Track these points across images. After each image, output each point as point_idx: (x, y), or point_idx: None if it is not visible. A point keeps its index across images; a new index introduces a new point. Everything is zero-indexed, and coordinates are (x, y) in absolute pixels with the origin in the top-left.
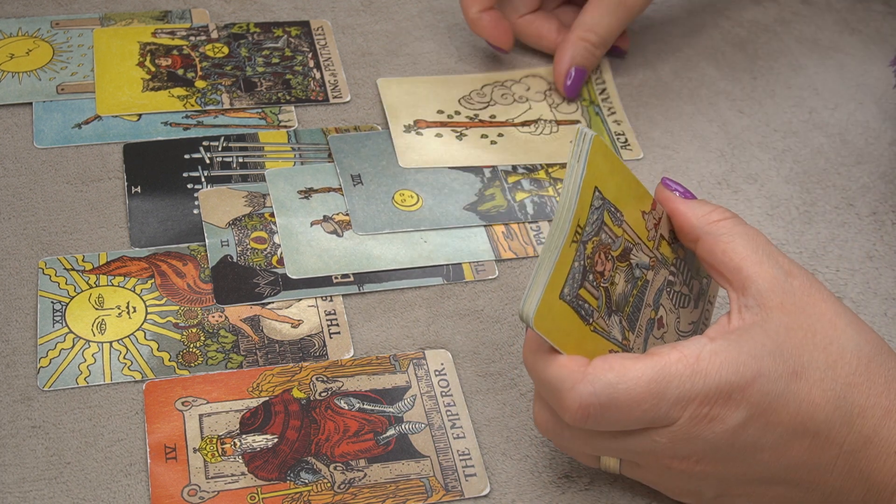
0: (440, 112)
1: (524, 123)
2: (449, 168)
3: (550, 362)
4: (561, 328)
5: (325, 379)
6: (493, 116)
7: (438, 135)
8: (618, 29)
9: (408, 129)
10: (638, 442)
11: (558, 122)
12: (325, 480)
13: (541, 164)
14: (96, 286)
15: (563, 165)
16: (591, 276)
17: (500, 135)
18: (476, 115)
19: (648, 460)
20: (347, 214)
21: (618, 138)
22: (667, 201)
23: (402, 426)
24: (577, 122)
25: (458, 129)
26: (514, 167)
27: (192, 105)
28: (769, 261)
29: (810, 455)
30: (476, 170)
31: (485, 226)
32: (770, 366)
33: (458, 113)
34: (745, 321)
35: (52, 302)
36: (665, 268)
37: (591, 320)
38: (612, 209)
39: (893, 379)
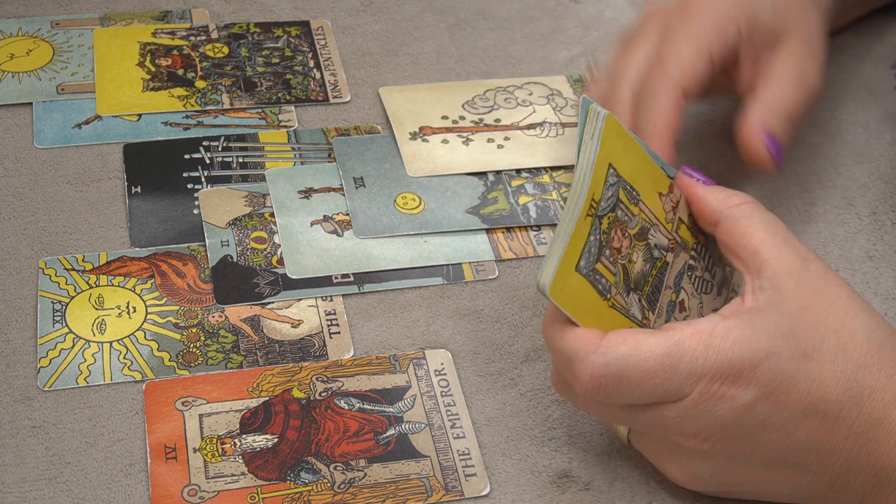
0: (444, 118)
1: (529, 126)
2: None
3: (566, 333)
4: (577, 300)
5: (325, 379)
6: (497, 120)
7: (445, 141)
8: (801, 111)
9: (413, 136)
10: (647, 415)
11: (563, 125)
12: (325, 480)
13: (545, 168)
14: (96, 286)
15: (568, 168)
16: (607, 252)
17: (507, 138)
18: (481, 120)
19: (656, 433)
20: (347, 214)
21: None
22: (687, 187)
23: (402, 426)
24: None
25: (464, 135)
26: (519, 171)
27: (192, 105)
28: (787, 245)
29: (819, 436)
30: (479, 173)
31: (487, 230)
32: (782, 346)
33: (462, 118)
34: (759, 302)
35: (52, 302)
36: (685, 252)
37: (608, 295)
38: (628, 187)
39: None
